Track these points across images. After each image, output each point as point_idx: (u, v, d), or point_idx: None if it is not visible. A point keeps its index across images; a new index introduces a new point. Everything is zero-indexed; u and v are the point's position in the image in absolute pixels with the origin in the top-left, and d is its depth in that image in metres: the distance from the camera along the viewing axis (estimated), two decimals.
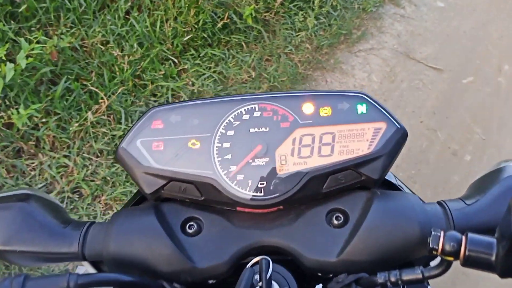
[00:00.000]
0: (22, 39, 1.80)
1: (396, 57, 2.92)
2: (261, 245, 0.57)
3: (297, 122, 0.58)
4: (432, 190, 2.37)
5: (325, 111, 0.59)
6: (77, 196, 1.91)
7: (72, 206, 1.88)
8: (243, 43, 2.62)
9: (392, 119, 0.58)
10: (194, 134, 0.58)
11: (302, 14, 2.80)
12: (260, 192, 0.57)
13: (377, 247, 0.53)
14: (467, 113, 2.70)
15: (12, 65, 1.70)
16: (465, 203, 0.56)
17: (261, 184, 0.57)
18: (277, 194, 0.57)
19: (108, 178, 1.95)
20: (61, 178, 1.92)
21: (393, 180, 0.69)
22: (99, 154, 2.02)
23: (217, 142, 0.58)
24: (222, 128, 0.58)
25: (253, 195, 0.56)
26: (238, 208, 0.58)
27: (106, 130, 2.06)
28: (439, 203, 0.58)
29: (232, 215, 0.59)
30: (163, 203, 0.60)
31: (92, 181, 1.94)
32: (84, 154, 1.99)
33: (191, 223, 0.58)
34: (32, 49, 1.85)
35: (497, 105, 2.78)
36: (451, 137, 2.57)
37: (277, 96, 0.60)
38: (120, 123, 2.10)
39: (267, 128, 0.58)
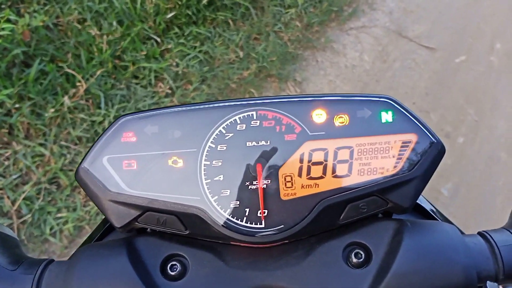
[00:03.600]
0: None
1: (388, 35, 2.82)
2: None
3: (306, 133, 0.46)
4: None
5: (341, 120, 0.47)
6: (55, 187, 1.79)
7: (50, 198, 1.76)
8: (230, 21, 2.48)
9: (425, 131, 0.47)
10: (175, 149, 0.46)
11: None
12: (260, 224, 0.45)
13: None
14: (460, 94, 2.64)
15: None
16: None
17: (261, 213, 0.45)
18: (282, 226, 0.45)
19: None
20: (37, 168, 1.79)
21: (424, 204, 0.58)
22: (77, 142, 1.89)
23: (205, 160, 0.46)
24: (211, 142, 0.46)
25: (251, 228, 0.45)
26: (232, 242, 0.47)
27: (85, 115, 1.93)
28: (481, 234, 0.48)
29: (225, 251, 0.47)
30: (137, 238, 0.48)
31: (71, 170, 1.82)
32: (61, 142, 1.86)
33: (173, 262, 0.46)
34: (2, 29, 1.70)
35: (490, 85, 2.72)
36: (444, 118, 2.50)
37: (281, 101, 0.48)
38: (100, 108, 1.97)
39: (268, 142, 0.46)
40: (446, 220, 0.57)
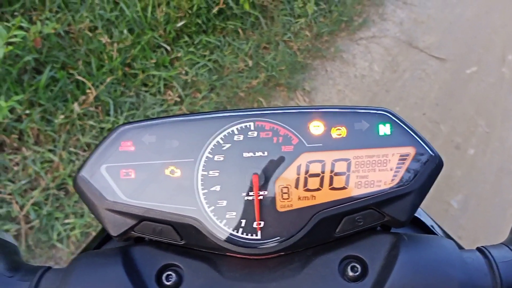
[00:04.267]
0: (0, 26, 1.66)
1: (398, 45, 2.81)
2: None
3: (303, 145, 0.46)
4: (434, 185, 2.29)
5: (339, 132, 0.47)
6: (63, 193, 1.80)
7: (58, 204, 1.77)
8: (240, 30, 2.50)
9: (423, 144, 0.47)
10: (173, 159, 0.46)
11: (301, 0, 2.67)
12: (256, 235, 0.45)
13: None
14: (470, 105, 2.61)
15: None
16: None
17: (257, 224, 0.45)
18: (278, 238, 0.45)
19: None
20: (46, 174, 1.81)
21: (420, 216, 0.57)
22: (86, 148, 1.90)
23: (202, 170, 0.46)
24: (209, 152, 0.46)
25: (247, 239, 0.45)
26: (228, 253, 0.47)
27: (94, 122, 1.94)
28: (480, 250, 0.47)
29: (221, 262, 0.47)
30: (133, 247, 0.48)
31: None
32: (70, 148, 1.88)
33: (169, 272, 0.46)
34: (15, 36, 1.72)
35: (501, 96, 2.70)
36: (454, 129, 2.48)
37: (278, 113, 0.47)
38: (109, 115, 1.98)
39: (265, 153, 0.46)
40: (446, 234, 0.56)
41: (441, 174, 0.48)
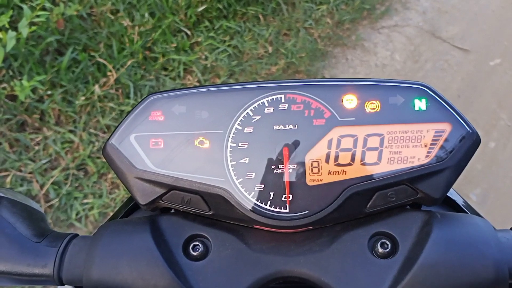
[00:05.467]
0: (25, 6, 1.68)
1: (421, 35, 2.76)
2: (284, 276, 0.45)
3: (335, 119, 0.45)
4: None
5: (372, 106, 0.45)
6: (83, 173, 1.82)
7: (77, 184, 1.79)
8: (260, 16, 2.48)
9: (461, 120, 0.45)
10: (202, 130, 0.46)
11: None
12: (285, 208, 0.44)
13: None
14: (493, 98, 2.56)
15: (14, 33, 1.59)
16: None
17: (286, 197, 0.45)
18: (307, 212, 0.44)
19: None
20: (66, 154, 1.83)
21: (454, 197, 0.56)
22: (106, 130, 1.92)
23: (231, 142, 0.45)
24: (238, 124, 0.46)
25: (275, 212, 0.44)
26: (255, 226, 0.46)
27: (114, 104, 1.96)
28: None
29: (248, 234, 0.46)
30: (161, 216, 0.48)
31: (98, 158, 1.85)
32: (90, 130, 1.90)
33: (196, 242, 0.46)
34: (38, 16, 1.73)
35: None
36: (475, 122, 2.44)
37: (310, 85, 0.46)
38: (129, 98, 1.99)
39: (296, 126, 0.45)
40: (477, 214, 0.55)
41: None
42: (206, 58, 2.24)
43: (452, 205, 0.56)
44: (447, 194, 0.53)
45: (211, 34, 2.33)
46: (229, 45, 2.32)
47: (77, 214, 1.73)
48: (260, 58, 2.35)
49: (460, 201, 0.56)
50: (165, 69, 2.17)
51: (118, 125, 0.47)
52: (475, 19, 2.97)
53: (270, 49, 2.37)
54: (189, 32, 2.29)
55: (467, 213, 0.54)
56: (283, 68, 2.34)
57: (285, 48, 2.40)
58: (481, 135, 2.23)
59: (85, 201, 1.76)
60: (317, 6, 2.62)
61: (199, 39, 2.29)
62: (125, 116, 0.47)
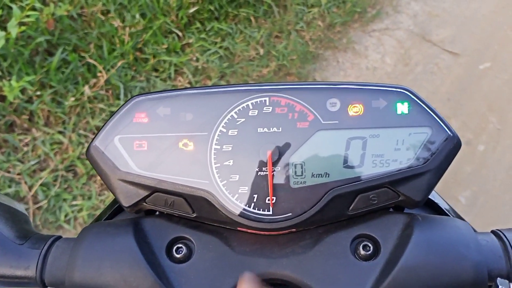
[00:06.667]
0: (15, 6, 1.67)
1: (411, 38, 2.78)
2: (267, 278, 0.45)
3: (319, 122, 0.45)
4: (442, 181, 2.27)
5: (356, 110, 0.46)
6: (72, 175, 1.81)
7: (66, 186, 1.78)
8: (252, 18, 2.48)
9: (442, 123, 0.46)
10: (186, 132, 0.46)
11: None
12: (268, 211, 0.45)
13: None
14: (482, 101, 2.58)
15: (3, 33, 1.58)
16: None
17: (269, 200, 0.45)
18: (290, 214, 0.45)
19: None
20: (55, 156, 1.82)
21: (435, 199, 0.56)
22: (95, 131, 1.91)
23: (215, 144, 0.45)
24: (223, 126, 0.46)
25: (259, 214, 0.45)
26: (239, 228, 0.47)
27: (104, 105, 1.95)
28: (494, 233, 0.46)
29: (231, 237, 0.47)
30: (145, 219, 0.48)
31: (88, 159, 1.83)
32: (80, 131, 1.89)
33: (179, 245, 0.46)
34: (27, 16, 1.72)
35: None
36: (465, 125, 2.45)
37: (294, 88, 0.47)
38: (119, 99, 1.98)
39: (280, 129, 0.46)
40: (459, 217, 0.55)
41: (449, 169, 0.47)
42: (197, 60, 2.24)
43: (435, 208, 0.56)
44: (430, 197, 0.54)
45: (203, 35, 2.33)
46: (220, 47, 2.32)
47: (66, 216, 1.72)
48: (252, 60, 2.35)
49: (442, 204, 0.56)
50: (156, 70, 2.17)
51: (102, 127, 0.47)
52: (466, 23, 2.99)
53: (261, 51, 2.37)
54: (180, 34, 2.29)
55: (449, 216, 0.55)
56: (274, 70, 2.34)
57: (277, 50, 2.41)
58: (471, 138, 2.24)
59: (74, 202, 1.74)
60: (308, 8, 2.63)
61: (190, 41, 2.29)
62: (109, 118, 0.47)
